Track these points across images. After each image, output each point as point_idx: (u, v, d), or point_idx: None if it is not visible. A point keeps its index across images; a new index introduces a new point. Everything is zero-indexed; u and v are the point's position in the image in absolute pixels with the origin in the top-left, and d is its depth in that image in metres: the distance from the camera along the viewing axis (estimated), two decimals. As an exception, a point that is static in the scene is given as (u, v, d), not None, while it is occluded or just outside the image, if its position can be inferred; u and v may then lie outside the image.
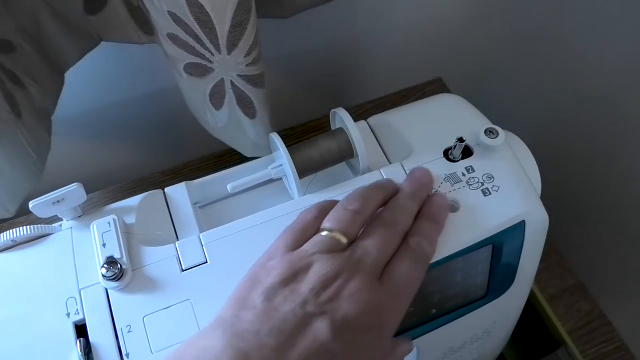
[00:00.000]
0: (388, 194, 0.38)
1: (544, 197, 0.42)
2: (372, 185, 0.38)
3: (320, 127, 0.69)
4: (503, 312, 0.47)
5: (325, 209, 0.36)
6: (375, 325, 0.32)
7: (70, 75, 0.54)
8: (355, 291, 0.32)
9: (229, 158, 0.68)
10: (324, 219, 0.36)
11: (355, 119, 0.43)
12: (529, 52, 0.85)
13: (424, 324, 0.42)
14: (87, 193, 0.38)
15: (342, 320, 0.31)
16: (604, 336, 0.59)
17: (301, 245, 0.34)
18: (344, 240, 0.34)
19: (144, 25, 0.52)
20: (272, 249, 0.35)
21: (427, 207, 0.38)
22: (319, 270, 0.32)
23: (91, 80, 0.61)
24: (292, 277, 0.32)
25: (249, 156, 0.57)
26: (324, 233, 0.35)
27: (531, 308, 0.60)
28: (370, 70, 0.81)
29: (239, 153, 0.58)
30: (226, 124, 0.53)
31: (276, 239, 0.36)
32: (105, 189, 0.65)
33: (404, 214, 0.37)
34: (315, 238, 0.35)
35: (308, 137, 0.68)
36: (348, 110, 0.42)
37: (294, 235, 0.35)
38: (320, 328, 0.30)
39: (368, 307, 0.32)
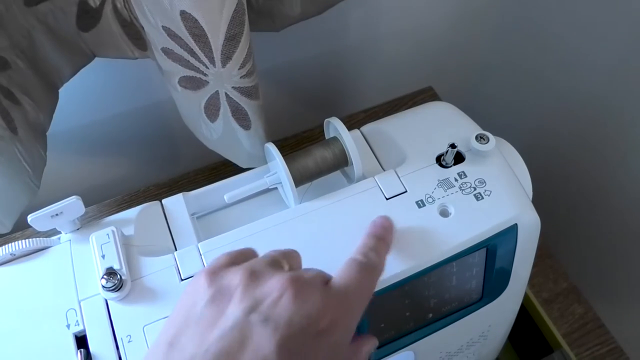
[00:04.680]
0: None
1: (536, 202, 0.43)
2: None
3: (313, 137, 0.70)
4: (498, 315, 0.48)
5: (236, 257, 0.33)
6: (325, 329, 0.29)
7: (64, 91, 0.54)
8: (296, 294, 0.29)
9: (224, 169, 0.68)
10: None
11: (348, 129, 0.43)
12: (516, 58, 0.86)
13: (420, 328, 0.43)
14: (83, 207, 0.39)
15: (285, 326, 0.28)
16: (598, 338, 0.59)
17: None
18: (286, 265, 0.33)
19: (137, 40, 0.52)
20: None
21: (371, 227, 0.37)
22: (260, 279, 0.30)
23: (85, 95, 0.61)
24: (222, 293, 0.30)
25: (244, 167, 0.58)
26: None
27: (526, 312, 0.61)
28: (361, 80, 0.82)
29: (234, 164, 0.59)
30: (221, 135, 0.53)
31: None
32: (100, 202, 0.65)
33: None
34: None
35: (301, 147, 0.69)
36: (341, 120, 0.43)
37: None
38: (261, 338, 0.28)
39: (313, 309, 0.29)
